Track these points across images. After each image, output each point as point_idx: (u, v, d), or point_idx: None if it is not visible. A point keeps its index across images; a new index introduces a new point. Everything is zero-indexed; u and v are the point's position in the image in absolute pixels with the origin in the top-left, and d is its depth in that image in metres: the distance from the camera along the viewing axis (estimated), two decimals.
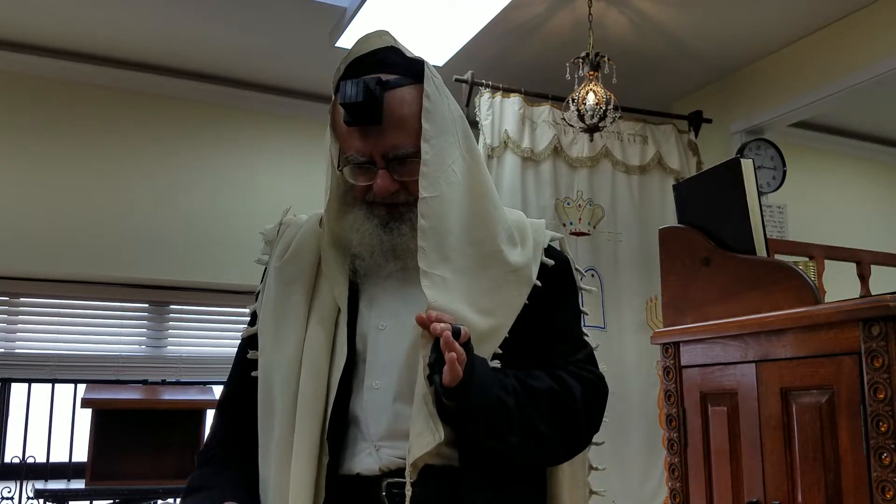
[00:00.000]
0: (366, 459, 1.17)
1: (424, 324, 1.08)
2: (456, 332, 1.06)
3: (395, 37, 1.27)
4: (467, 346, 1.10)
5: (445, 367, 1.05)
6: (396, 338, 1.21)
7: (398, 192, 1.21)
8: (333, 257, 1.25)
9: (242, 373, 1.31)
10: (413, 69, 1.22)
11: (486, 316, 1.19)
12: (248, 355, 1.30)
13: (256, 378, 1.26)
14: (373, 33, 1.26)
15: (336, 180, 1.24)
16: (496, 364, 1.18)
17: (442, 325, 1.06)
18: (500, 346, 1.20)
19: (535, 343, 1.23)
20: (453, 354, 1.04)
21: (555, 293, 1.28)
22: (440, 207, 1.19)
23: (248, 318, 1.36)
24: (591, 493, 1.36)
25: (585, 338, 1.34)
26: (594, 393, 1.25)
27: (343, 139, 1.21)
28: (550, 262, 1.30)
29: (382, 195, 1.20)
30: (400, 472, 1.14)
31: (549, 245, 1.33)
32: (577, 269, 1.37)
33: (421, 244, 1.17)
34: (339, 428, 1.19)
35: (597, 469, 1.38)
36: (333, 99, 1.24)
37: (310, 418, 1.18)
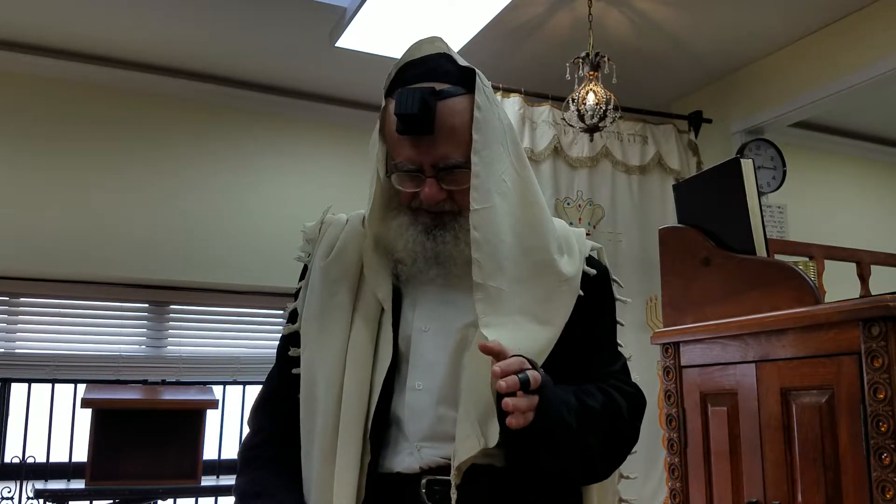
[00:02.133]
0: (406, 459, 1.17)
1: (487, 352, 1.06)
2: (525, 382, 1.03)
3: (447, 42, 1.27)
4: (537, 365, 1.09)
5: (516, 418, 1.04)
6: (439, 340, 1.22)
7: (444, 202, 1.21)
8: (376, 260, 1.26)
9: (284, 370, 1.31)
10: (464, 77, 1.22)
11: (543, 326, 1.19)
12: (290, 352, 1.30)
13: (297, 375, 1.27)
14: (425, 39, 1.27)
15: (380, 184, 1.24)
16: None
17: (508, 381, 1.02)
18: None
19: (576, 353, 1.23)
20: (520, 421, 1.03)
21: (595, 303, 1.29)
22: (492, 218, 1.18)
23: (288, 315, 1.36)
24: (621, 500, 1.37)
25: (620, 349, 1.35)
26: (636, 408, 1.26)
27: (393, 146, 1.21)
28: (592, 271, 1.30)
29: (429, 203, 1.20)
30: (440, 470, 1.15)
31: (588, 255, 1.33)
32: (614, 280, 1.38)
33: (475, 256, 1.16)
34: (379, 427, 1.19)
35: (627, 478, 1.39)
36: (384, 104, 1.24)
37: (353, 417, 1.18)
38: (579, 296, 1.25)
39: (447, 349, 1.20)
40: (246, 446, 1.30)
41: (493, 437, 1.10)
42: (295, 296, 1.36)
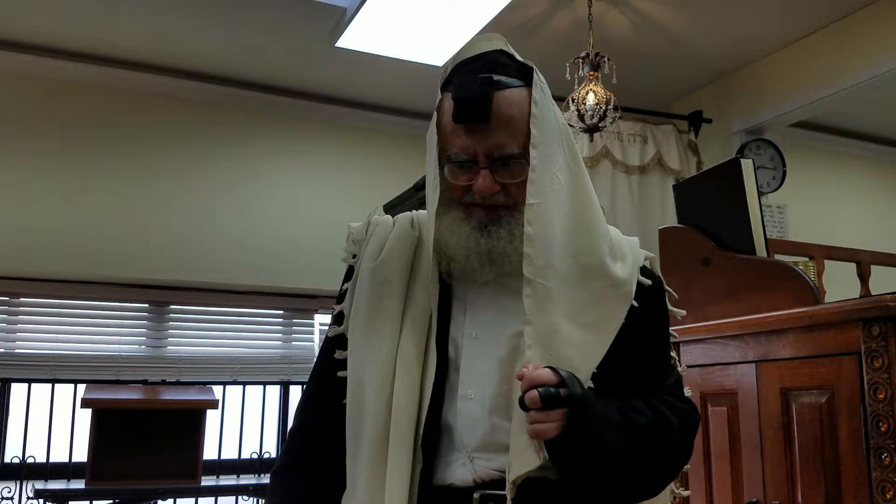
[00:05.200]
0: (459, 470, 1.15)
1: (520, 378, 1.08)
2: (546, 398, 1.05)
3: (506, 41, 1.26)
4: (577, 382, 1.08)
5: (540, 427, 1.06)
6: (491, 348, 1.19)
7: (498, 195, 1.18)
8: (430, 259, 1.23)
9: (328, 373, 1.29)
10: (522, 72, 1.21)
11: (584, 330, 1.17)
12: (336, 355, 1.28)
13: (341, 378, 1.25)
14: (483, 36, 1.25)
15: (435, 181, 1.22)
16: (590, 384, 1.15)
17: (530, 395, 1.05)
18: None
19: (629, 364, 1.20)
20: (540, 429, 1.06)
21: (649, 314, 1.26)
22: (545, 214, 1.16)
23: (333, 317, 1.34)
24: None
25: (673, 362, 1.33)
26: (688, 425, 1.24)
27: (447, 137, 1.19)
28: (648, 281, 1.27)
29: (482, 195, 1.17)
30: (494, 483, 1.13)
31: (642, 264, 1.30)
32: (668, 291, 1.35)
33: (527, 251, 1.14)
34: (430, 435, 1.17)
35: (679, 494, 1.38)
36: (440, 98, 1.22)
37: (404, 424, 1.16)
38: (633, 306, 1.22)
39: (498, 358, 1.18)
40: (275, 469, 1.30)
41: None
42: (339, 298, 1.32)
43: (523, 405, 1.05)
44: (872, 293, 2.47)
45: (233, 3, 3.46)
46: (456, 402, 1.18)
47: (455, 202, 1.21)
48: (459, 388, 1.18)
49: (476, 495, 1.13)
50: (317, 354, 1.38)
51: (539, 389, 1.04)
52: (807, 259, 2.54)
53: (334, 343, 1.30)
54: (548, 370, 1.07)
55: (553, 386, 1.05)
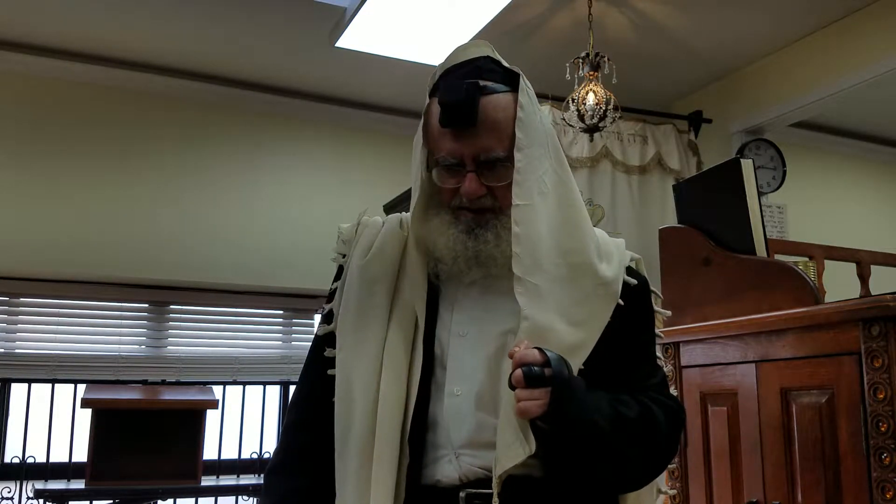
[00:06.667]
0: (446, 467, 1.16)
1: (511, 357, 1.09)
2: (530, 378, 1.06)
3: (493, 48, 1.28)
4: (565, 366, 1.09)
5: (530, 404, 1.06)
6: (478, 345, 1.21)
7: (484, 197, 1.20)
8: (416, 259, 1.25)
9: (318, 371, 1.30)
10: (508, 78, 1.23)
11: (575, 328, 1.18)
12: (325, 353, 1.30)
13: (331, 376, 1.26)
14: (471, 43, 1.27)
15: (422, 184, 1.25)
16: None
17: (515, 375, 1.06)
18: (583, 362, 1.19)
19: (614, 363, 1.22)
20: (524, 406, 1.06)
21: (635, 314, 1.28)
22: (533, 215, 1.18)
23: (323, 316, 1.35)
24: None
25: (658, 361, 1.35)
26: (675, 422, 1.25)
27: (435, 141, 1.21)
28: (633, 281, 1.29)
29: (469, 197, 1.20)
30: (480, 482, 1.14)
31: (628, 265, 1.32)
32: (653, 292, 1.37)
33: (515, 250, 1.16)
34: (417, 432, 1.19)
35: (664, 493, 1.38)
36: (428, 103, 1.25)
37: (391, 420, 1.18)
38: (619, 305, 1.24)
39: (485, 355, 1.19)
40: (269, 468, 1.31)
41: (535, 443, 1.10)
42: (329, 297, 1.34)
43: (511, 384, 1.06)
44: (872, 293, 2.47)
45: (233, 3, 3.46)
46: (443, 399, 1.19)
47: (444, 205, 1.23)
48: (446, 385, 1.20)
49: (462, 494, 1.14)
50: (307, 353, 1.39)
51: (523, 368, 1.06)
52: (807, 259, 2.54)
53: (324, 341, 1.32)
54: (535, 351, 1.08)
55: (538, 366, 1.06)
